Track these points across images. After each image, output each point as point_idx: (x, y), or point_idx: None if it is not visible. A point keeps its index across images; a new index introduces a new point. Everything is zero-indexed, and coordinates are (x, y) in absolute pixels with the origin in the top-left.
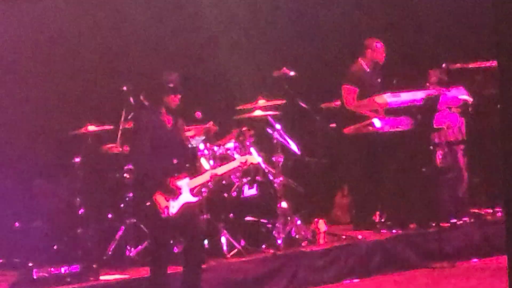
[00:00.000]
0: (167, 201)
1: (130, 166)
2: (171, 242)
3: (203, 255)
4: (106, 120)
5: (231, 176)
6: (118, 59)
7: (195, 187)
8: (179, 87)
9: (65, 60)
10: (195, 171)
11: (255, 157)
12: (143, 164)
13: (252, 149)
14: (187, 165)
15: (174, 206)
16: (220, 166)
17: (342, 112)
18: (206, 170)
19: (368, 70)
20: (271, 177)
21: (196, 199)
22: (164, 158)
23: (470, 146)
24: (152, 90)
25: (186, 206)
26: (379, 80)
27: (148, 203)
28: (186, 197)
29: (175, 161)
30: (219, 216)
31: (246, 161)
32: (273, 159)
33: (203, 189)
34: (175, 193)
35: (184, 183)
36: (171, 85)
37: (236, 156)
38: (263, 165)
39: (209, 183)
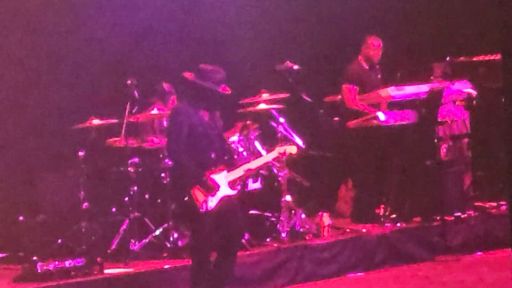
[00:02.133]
0: (205, 195)
1: (135, 160)
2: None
3: (238, 247)
4: (110, 114)
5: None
6: (123, 53)
7: (234, 180)
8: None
9: (70, 53)
10: (232, 164)
11: (294, 147)
12: (181, 159)
13: (256, 143)
14: (225, 158)
15: (212, 201)
16: (256, 158)
17: (346, 106)
18: (242, 163)
19: (366, 67)
20: (275, 171)
21: (235, 192)
22: (201, 152)
23: (474, 140)
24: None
25: (225, 200)
26: (379, 76)
27: (186, 198)
28: (224, 190)
29: (213, 155)
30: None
31: (284, 151)
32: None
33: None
34: (212, 187)
35: (222, 177)
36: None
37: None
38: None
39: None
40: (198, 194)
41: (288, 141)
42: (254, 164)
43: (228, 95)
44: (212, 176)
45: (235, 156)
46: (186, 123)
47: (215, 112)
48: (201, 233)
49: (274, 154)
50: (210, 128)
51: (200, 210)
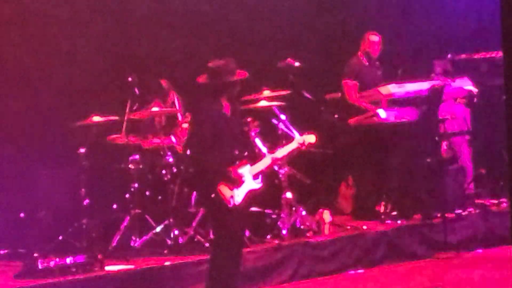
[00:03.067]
0: (231, 190)
1: (136, 157)
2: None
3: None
4: (111, 111)
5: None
6: (124, 50)
7: (258, 173)
8: (240, 78)
9: (71, 50)
10: (254, 157)
11: (312, 136)
12: (205, 155)
13: (257, 140)
14: (245, 152)
15: (239, 195)
16: (278, 149)
17: (347, 103)
18: (265, 155)
19: (366, 63)
20: (276, 168)
21: (260, 185)
22: (225, 147)
23: (475, 137)
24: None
25: (251, 193)
26: (379, 73)
27: (213, 195)
28: (249, 184)
29: (236, 151)
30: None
31: (304, 142)
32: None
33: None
34: (238, 182)
35: (246, 171)
36: (232, 75)
37: (296, 136)
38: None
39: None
40: (225, 190)
41: (289, 138)
42: (280, 153)
43: (246, 78)
44: (237, 170)
45: (256, 150)
46: (209, 123)
47: (235, 105)
48: (231, 229)
49: (294, 144)
50: (232, 124)
51: (229, 205)
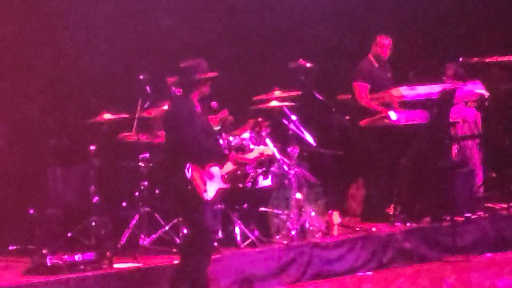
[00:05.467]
0: (204, 185)
1: (146, 155)
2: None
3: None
4: (122, 109)
5: (246, 167)
6: (135, 48)
7: (225, 173)
8: (212, 76)
9: (82, 48)
10: (224, 158)
11: (270, 149)
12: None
13: (267, 140)
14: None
15: (211, 191)
16: (243, 154)
17: (358, 105)
18: (256, 149)
19: (377, 65)
20: (286, 168)
21: (227, 186)
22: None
23: (485, 141)
24: (187, 77)
25: (219, 192)
26: (389, 75)
27: (188, 187)
28: (219, 183)
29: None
30: (233, 206)
31: (263, 153)
32: (288, 150)
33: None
34: (210, 178)
35: (216, 170)
36: (204, 73)
37: (253, 147)
38: (278, 156)
39: (238, 171)
40: (199, 182)
41: (299, 139)
42: (248, 156)
43: (217, 77)
44: (209, 167)
45: (227, 151)
46: (189, 116)
47: (204, 107)
48: (204, 223)
49: (255, 153)
50: (205, 122)
51: (203, 197)
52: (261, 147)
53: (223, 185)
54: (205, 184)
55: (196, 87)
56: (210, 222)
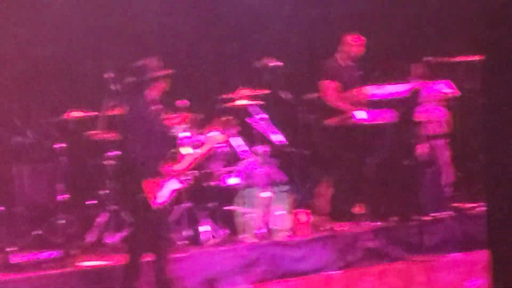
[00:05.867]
0: (156, 190)
1: (113, 153)
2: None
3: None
4: (89, 107)
5: (213, 165)
6: (103, 46)
7: (179, 173)
8: (165, 74)
9: (50, 45)
10: (177, 158)
11: (219, 135)
12: (137, 152)
13: (235, 139)
14: (169, 152)
15: (163, 195)
16: (196, 150)
17: (325, 104)
18: (185, 156)
19: (344, 64)
20: (252, 167)
21: (182, 186)
22: (151, 146)
23: (453, 140)
24: (139, 76)
25: (173, 193)
26: (357, 74)
27: (139, 193)
28: (173, 184)
29: (161, 148)
30: (200, 205)
31: (215, 140)
32: (255, 148)
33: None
34: (164, 181)
35: (170, 171)
36: (156, 71)
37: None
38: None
39: (192, 170)
40: (150, 189)
41: (267, 137)
42: (197, 154)
43: (173, 73)
44: (163, 168)
45: (179, 151)
46: (138, 120)
47: (158, 106)
48: (146, 230)
49: (207, 146)
50: (158, 123)
51: (152, 205)
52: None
53: (178, 186)
54: (156, 189)
55: (149, 86)
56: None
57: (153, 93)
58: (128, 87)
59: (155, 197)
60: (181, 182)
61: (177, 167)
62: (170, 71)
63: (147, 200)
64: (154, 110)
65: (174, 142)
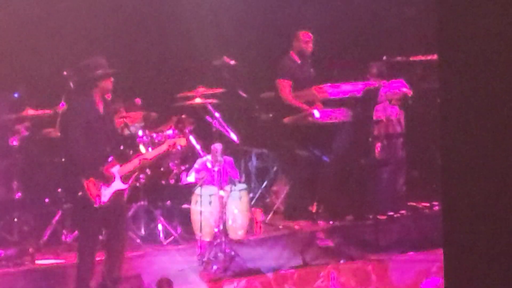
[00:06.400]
0: (99, 189)
1: None
2: (99, 230)
3: (125, 243)
4: (45, 105)
5: (170, 163)
6: (59, 43)
7: (125, 173)
8: (109, 71)
9: (6, 42)
10: (126, 157)
11: (183, 140)
12: (76, 151)
13: (191, 137)
14: (117, 152)
15: (105, 195)
16: (148, 151)
17: (282, 102)
18: (135, 156)
19: (299, 61)
20: (209, 165)
21: (126, 186)
22: (96, 145)
23: (409, 139)
24: (83, 75)
25: (116, 193)
26: (312, 70)
27: (80, 193)
28: (117, 184)
29: (107, 148)
30: (156, 203)
31: (174, 144)
32: (212, 147)
33: (140, 175)
34: (108, 181)
35: (115, 170)
36: (101, 70)
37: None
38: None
39: (146, 169)
40: (92, 188)
41: (223, 136)
42: (149, 154)
43: (121, 72)
44: (108, 168)
45: (130, 150)
46: (82, 119)
47: (109, 104)
48: (90, 229)
49: (164, 146)
50: (105, 121)
51: (94, 204)
52: (174, 139)
53: (122, 186)
54: (99, 188)
55: (94, 85)
56: (97, 227)
57: (99, 91)
58: (76, 85)
59: (96, 196)
60: (124, 182)
61: (146, 155)
62: (114, 70)
63: (88, 199)
64: (100, 109)
65: (123, 141)
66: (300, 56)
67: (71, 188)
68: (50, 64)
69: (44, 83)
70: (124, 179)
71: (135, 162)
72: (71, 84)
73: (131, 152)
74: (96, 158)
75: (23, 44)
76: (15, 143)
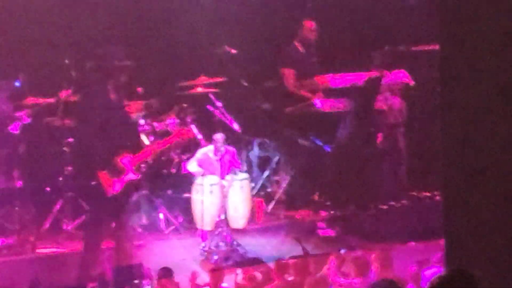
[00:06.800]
0: (111, 179)
1: (70, 140)
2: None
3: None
4: (47, 93)
5: (171, 153)
6: (61, 32)
7: (137, 164)
8: (127, 63)
9: (6, 31)
10: (137, 148)
11: (193, 131)
12: (90, 140)
13: (192, 126)
14: (128, 143)
15: (118, 185)
16: (159, 141)
17: (284, 92)
18: (146, 146)
19: (302, 51)
20: (211, 155)
21: (138, 176)
22: (109, 135)
23: (410, 129)
24: (100, 64)
25: (128, 184)
26: (315, 60)
27: (93, 182)
28: (129, 175)
29: (120, 138)
30: (157, 192)
31: (183, 135)
32: (214, 136)
33: (142, 165)
34: (120, 171)
35: (127, 161)
36: (119, 61)
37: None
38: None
39: (149, 159)
40: (105, 178)
41: (225, 125)
42: (159, 145)
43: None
44: (120, 159)
45: (138, 141)
46: (96, 109)
47: (121, 95)
48: (100, 218)
49: (174, 137)
50: (118, 112)
51: (107, 194)
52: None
53: (133, 176)
54: (111, 179)
55: (111, 75)
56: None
57: (113, 82)
58: (89, 73)
59: (110, 186)
60: (137, 172)
61: (156, 145)
62: (131, 63)
63: (102, 188)
64: (113, 99)
65: (135, 131)
66: (304, 45)
67: (83, 176)
68: (52, 53)
69: (46, 72)
70: (136, 169)
71: (146, 153)
72: (73, 73)
73: (141, 142)
74: (109, 148)
75: (24, 32)
76: (16, 131)
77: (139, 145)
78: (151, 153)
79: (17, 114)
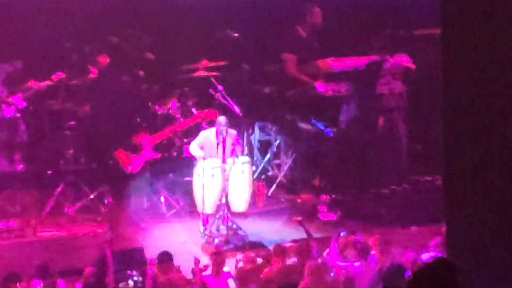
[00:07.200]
0: (129, 157)
1: (72, 123)
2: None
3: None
4: (48, 76)
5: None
6: (62, 17)
7: (156, 143)
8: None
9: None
10: (154, 127)
11: (214, 112)
12: (106, 120)
13: (193, 110)
14: (147, 122)
15: (136, 162)
16: (180, 121)
17: (286, 75)
18: (167, 126)
19: (305, 35)
20: (213, 138)
21: (158, 155)
22: (125, 115)
23: (411, 113)
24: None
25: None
26: (317, 45)
27: (110, 161)
28: (148, 153)
29: (138, 119)
30: (158, 175)
31: (205, 116)
32: (216, 118)
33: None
34: (137, 149)
35: (145, 140)
36: (141, 45)
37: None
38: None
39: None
40: (123, 156)
41: (226, 108)
42: (180, 125)
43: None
44: (137, 138)
45: (159, 121)
46: (112, 89)
47: (137, 77)
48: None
49: (194, 118)
50: (134, 93)
51: (125, 170)
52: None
53: (153, 155)
54: (129, 157)
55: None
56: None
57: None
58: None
59: (128, 164)
60: (155, 152)
61: (176, 126)
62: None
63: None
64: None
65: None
66: (306, 29)
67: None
68: (53, 37)
69: (47, 55)
70: (155, 148)
71: (166, 132)
72: (74, 57)
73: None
74: (125, 127)
75: (25, 15)
76: (17, 114)
77: (156, 125)
78: (170, 133)
79: (15, 97)
